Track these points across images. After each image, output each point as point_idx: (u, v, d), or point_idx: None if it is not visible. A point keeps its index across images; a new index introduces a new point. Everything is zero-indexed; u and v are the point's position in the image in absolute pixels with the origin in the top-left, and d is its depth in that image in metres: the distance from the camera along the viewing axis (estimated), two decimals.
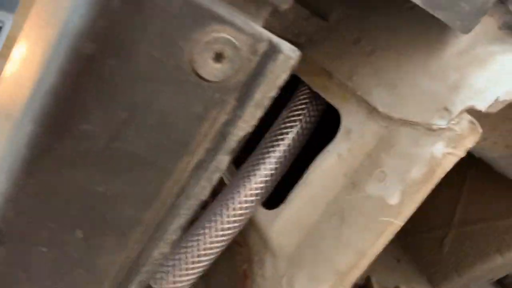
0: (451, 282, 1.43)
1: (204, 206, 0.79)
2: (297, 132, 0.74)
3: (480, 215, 1.40)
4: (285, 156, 0.73)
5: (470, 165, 1.47)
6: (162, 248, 0.56)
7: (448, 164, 0.58)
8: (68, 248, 0.51)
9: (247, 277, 0.75)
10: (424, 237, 1.51)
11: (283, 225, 0.71)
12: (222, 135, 0.50)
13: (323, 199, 0.68)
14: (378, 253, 0.63)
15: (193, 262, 0.68)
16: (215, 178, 0.53)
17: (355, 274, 0.64)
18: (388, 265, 1.42)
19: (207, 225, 0.69)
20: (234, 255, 0.77)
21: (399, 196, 0.60)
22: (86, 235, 0.51)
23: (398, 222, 0.61)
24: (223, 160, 0.51)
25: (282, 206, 0.71)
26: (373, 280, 1.11)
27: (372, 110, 0.65)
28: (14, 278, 0.50)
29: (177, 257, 0.68)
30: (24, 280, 0.51)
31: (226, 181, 0.85)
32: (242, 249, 0.76)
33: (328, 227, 0.67)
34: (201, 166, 0.51)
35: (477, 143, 0.93)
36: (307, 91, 0.76)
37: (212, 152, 0.50)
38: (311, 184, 0.68)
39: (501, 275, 1.46)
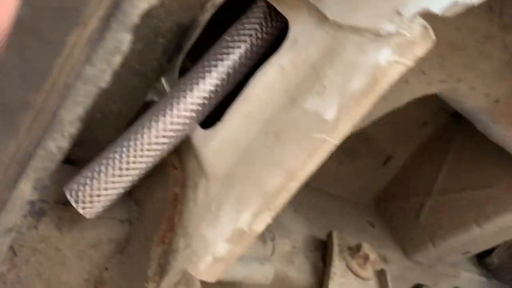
0: (425, 252, 1.37)
1: (134, 118, 0.73)
2: (246, 49, 0.67)
3: (461, 184, 1.33)
4: (229, 74, 0.66)
5: (455, 133, 1.40)
6: (59, 141, 0.50)
7: (394, 74, 0.51)
8: None
9: (178, 202, 0.69)
10: (402, 204, 1.44)
11: (218, 145, 0.64)
12: (119, 6, 0.43)
13: (261, 117, 0.61)
14: (309, 175, 0.57)
15: (113, 176, 0.62)
16: (116, 61, 0.46)
17: (284, 197, 0.58)
18: (361, 229, 1.36)
19: (133, 137, 0.63)
20: (168, 178, 0.71)
21: (336, 111, 0.53)
22: None
23: (332, 140, 0.54)
24: (124, 38, 0.45)
25: (218, 125, 0.64)
26: (334, 236, 1.05)
27: (322, 18, 0.58)
28: None
29: (96, 168, 0.63)
30: None
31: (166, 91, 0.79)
32: (176, 172, 0.70)
33: (262, 146, 0.60)
34: (96, 43, 0.44)
35: (453, 88, 0.86)
36: (263, 4, 0.69)
37: (109, 26, 0.43)
38: (250, 100, 0.61)
39: (477, 250, 1.39)
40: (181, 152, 0.72)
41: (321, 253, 1.07)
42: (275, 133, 0.59)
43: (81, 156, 0.78)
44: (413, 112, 1.33)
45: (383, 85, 0.51)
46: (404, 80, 0.87)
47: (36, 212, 0.63)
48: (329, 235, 1.08)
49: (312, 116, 0.55)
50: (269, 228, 0.77)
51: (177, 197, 0.69)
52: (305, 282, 0.97)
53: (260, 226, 0.60)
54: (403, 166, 1.46)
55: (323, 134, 0.54)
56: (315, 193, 1.30)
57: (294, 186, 0.57)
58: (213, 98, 0.66)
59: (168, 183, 0.70)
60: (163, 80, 0.83)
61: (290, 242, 1.00)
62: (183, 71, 0.81)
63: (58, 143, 0.50)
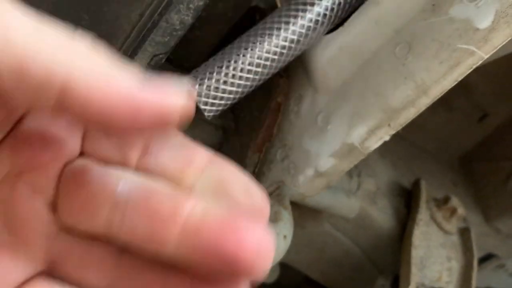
0: (508, 220, 1.28)
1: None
2: None
3: None
4: None
5: None
6: (183, 14, 0.46)
7: None
8: None
9: (279, 111, 0.65)
10: (490, 167, 1.34)
11: (335, 53, 0.59)
12: None
13: (393, 24, 0.54)
14: (444, 92, 0.50)
15: (238, 76, 0.58)
16: None
17: (410, 114, 0.52)
18: (443, 185, 1.28)
19: (258, 39, 0.58)
20: (271, 87, 0.67)
21: (492, 19, 0.46)
22: None
23: (481, 53, 0.47)
24: None
25: (339, 30, 0.58)
26: (422, 184, 0.99)
27: None
28: None
29: (221, 66, 0.58)
30: None
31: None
32: (282, 80, 0.66)
33: (390, 56, 0.54)
34: None
35: None
36: None
37: None
38: (383, 3, 0.54)
39: None
40: None
41: (404, 200, 1.01)
42: (407, 42, 0.53)
43: (178, 57, 0.75)
44: None
45: None
46: None
47: None
48: (416, 183, 1.01)
49: (459, 24, 0.48)
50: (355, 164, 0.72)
51: (280, 107, 0.65)
52: (386, 224, 0.92)
53: (374, 143, 0.55)
54: (499, 126, 1.34)
55: (471, 45, 0.47)
56: (401, 141, 1.22)
57: (424, 102, 0.51)
58: (341, 9, 0.60)
59: (272, 91, 0.66)
60: None
61: (375, 182, 0.95)
62: None
63: (182, 16, 0.46)
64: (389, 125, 0.53)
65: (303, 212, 0.88)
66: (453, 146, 1.37)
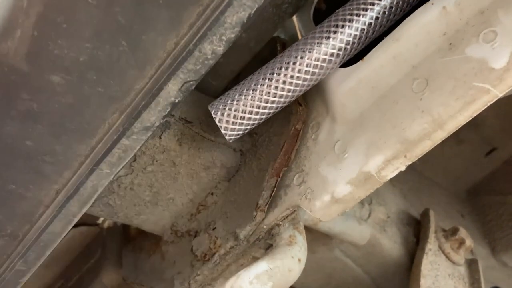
0: None
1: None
2: None
3: None
4: (378, 18, 0.62)
5: None
6: (216, 45, 0.49)
7: None
8: None
9: (297, 138, 0.68)
10: (497, 200, 1.35)
11: (354, 85, 0.62)
12: None
13: (411, 60, 0.57)
14: (459, 126, 0.53)
15: (259, 101, 0.61)
16: None
17: (426, 146, 0.54)
18: (451, 216, 1.29)
19: (281, 66, 0.61)
20: (290, 114, 0.69)
21: (507, 59, 0.49)
22: None
23: (496, 92, 0.50)
24: None
25: (359, 64, 0.61)
26: (431, 214, 1.01)
27: None
28: None
29: (244, 91, 0.61)
30: None
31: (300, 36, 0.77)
32: (300, 109, 0.68)
33: (407, 91, 0.57)
34: None
35: None
36: None
37: None
38: (401, 40, 0.58)
39: None
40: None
41: (413, 229, 1.03)
42: (424, 78, 0.55)
43: (203, 82, 0.78)
44: None
45: None
46: None
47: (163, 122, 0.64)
48: (425, 213, 1.03)
49: (476, 63, 0.51)
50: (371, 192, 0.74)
51: (298, 134, 0.68)
52: (396, 252, 0.93)
53: (391, 172, 0.57)
54: (507, 161, 1.36)
55: (487, 83, 0.50)
56: (411, 171, 1.24)
57: (440, 136, 0.53)
58: (360, 42, 0.63)
59: (291, 118, 0.69)
60: (294, 18, 0.81)
61: (385, 211, 0.96)
62: (316, 12, 0.78)
63: (214, 47, 0.50)
64: (405, 156, 0.55)
65: (314, 237, 0.89)
66: (461, 179, 1.39)
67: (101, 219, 1.10)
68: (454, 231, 0.99)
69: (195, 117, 0.72)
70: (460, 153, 1.34)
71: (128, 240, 0.99)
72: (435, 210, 1.22)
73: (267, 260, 0.59)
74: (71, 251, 1.10)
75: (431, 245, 0.92)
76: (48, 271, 1.08)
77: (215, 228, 0.73)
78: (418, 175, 1.31)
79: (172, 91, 0.53)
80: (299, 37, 0.80)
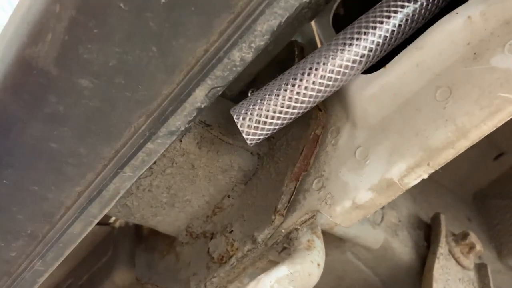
0: None
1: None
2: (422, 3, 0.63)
3: None
4: (401, 25, 0.62)
5: None
6: (244, 52, 0.50)
7: None
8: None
9: (317, 143, 0.68)
10: (505, 205, 1.36)
11: (376, 92, 0.62)
12: None
13: (434, 68, 0.58)
14: (483, 136, 0.53)
15: (281, 106, 0.61)
16: None
17: (449, 155, 0.55)
18: (458, 220, 1.30)
19: (304, 71, 0.61)
20: (310, 119, 0.70)
21: None
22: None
23: None
24: None
25: (381, 71, 0.62)
26: (442, 218, 1.01)
27: None
28: None
29: (266, 96, 0.62)
30: None
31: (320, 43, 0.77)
32: (320, 114, 0.69)
33: (431, 99, 0.57)
34: None
35: None
36: None
37: None
38: (425, 48, 0.58)
39: None
40: None
41: (424, 233, 1.03)
42: (448, 87, 0.56)
43: None
44: None
45: None
46: None
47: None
48: (436, 217, 1.03)
49: (501, 73, 0.52)
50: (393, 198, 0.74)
51: (318, 139, 0.68)
52: (407, 256, 0.94)
53: (413, 180, 0.58)
54: None
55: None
56: None
57: (463, 144, 0.54)
58: (382, 49, 0.63)
59: (310, 123, 0.69)
60: (313, 23, 0.81)
61: (397, 215, 0.97)
62: (335, 17, 0.79)
63: (243, 54, 0.50)
64: (428, 164, 0.56)
65: (327, 240, 0.90)
66: (469, 183, 1.39)
67: (113, 218, 1.11)
68: (465, 235, 1.00)
69: (214, 121, 0.72)
70: (468, 156, 1.34)
71: (140, 240, 0.99)
72: (443, 213, 1.23)
73: (287, 264, 0.60)
74: (82, 249, 1.10)
75: (443, 249, 0.93)
76: (59, 270, 1.08)
77: (232, 230, 0.73)
78: (427, 179, 1.31)
79: (199, 96, 0.53)
80: (318, 41, 0.80)
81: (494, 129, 0.53)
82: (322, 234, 0.72)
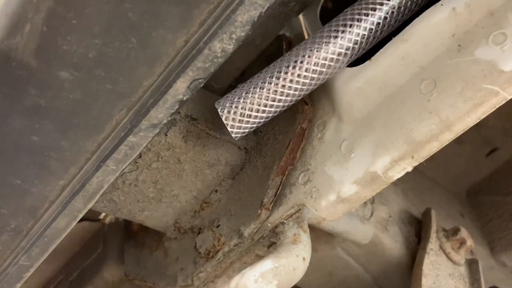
0: None
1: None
2: None
3: None
4: (386, 18, 0.62)
5: None
6: (225, 43, 0.49)
7: None
8: None
9: (303, 137, 0.68)
10: (497, 201, 1.36)
11: (362, 85, 0.61)
12: None
13: (419, 61, 0.57)
14: (467, 128, 0.53)
15: (266, 99, 0.60)
16: None
17: (433, 148, 0.55)
18: (450, 216, 1.29)
19: (287, 64, 0.61)
20: (296, 113, 0.69)
21: None
22: None
23: (505, 94, 0.50)
24: None
25: (367, 63, 0.61)
26: (433, 213, 1.01)
27: None
28: None
29: (250, 89, 0.61)
30: None
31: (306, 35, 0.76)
32: (307, 108, 0.68)
33: (415, 91, 0.57)
34: None
35: None
36: None
37: None
38: (410, 41, 0.57)
39: None
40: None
41: (414, 229, 1.03)
42: (433, 79, 0.56)
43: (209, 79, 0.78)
44: None
45: None
46: None
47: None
48: (427, 213, 1.03)
49: (484, 65, 0.51)
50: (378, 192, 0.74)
51: (304, 133, 0.68)
52: (397, 252, 0.94)
53: (397, 173, 0.57)
54: (507, 161, 1.36)
55: (496, 86, 0.50)
56: (412, 170, 1.24)
57: (447, 137, 0.53)
58: (368, 42, 0.62)
59: (297, 117, 0.69)
60: (301, 16, 0.81)
61: (387, 210, 0.97)
62: (323, 10, 0.78)
63: (224, 45, 0.49)
64: (412, 157, 0.56)
65: (316, 236, 0.89)
66: (462, 178, 1.39)
67: (103, 214, 1.10)
68: (455, 231, 1.00)
69: (200, 115, 0.71)
70: (461, 153, 1.35)
71: (130, 236, 0.98)
72: (435, 209, 1.23)
73: (272, 258, 0.59)
74: (72, 246, 1.10)
75: (433, 244, 0.93)
76: (49, 266, 1.08)
77: (219, 225, 0.73)
78: (420, 174, 1.31)
79: (180, 88, 0.53)
80: (305, 35, 0.80)
81: (478, 121, 0.53)
82: (311, 229, 0.71)
